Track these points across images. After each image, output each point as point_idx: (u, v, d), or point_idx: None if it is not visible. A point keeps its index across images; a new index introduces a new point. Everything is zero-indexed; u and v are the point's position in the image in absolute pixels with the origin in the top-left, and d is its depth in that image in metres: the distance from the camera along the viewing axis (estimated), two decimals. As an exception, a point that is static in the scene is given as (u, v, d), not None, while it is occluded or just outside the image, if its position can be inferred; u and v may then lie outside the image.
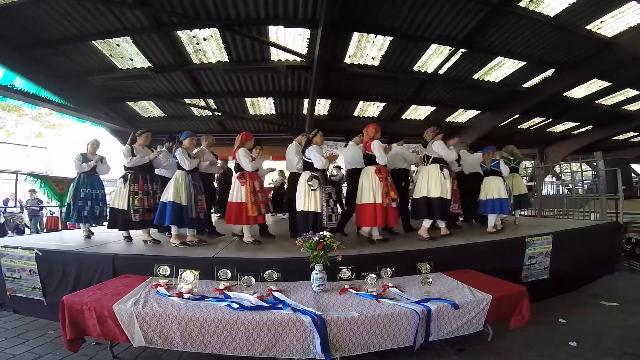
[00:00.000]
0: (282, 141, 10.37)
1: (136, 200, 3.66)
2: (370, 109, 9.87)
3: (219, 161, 4.87)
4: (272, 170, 4.87)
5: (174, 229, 3.62)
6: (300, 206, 3.47)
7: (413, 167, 4.74)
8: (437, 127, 4.06)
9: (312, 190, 3.41)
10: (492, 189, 4.24)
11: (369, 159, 3.71)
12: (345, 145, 4.47)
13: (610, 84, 8.42)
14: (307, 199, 3.41)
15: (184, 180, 3.59)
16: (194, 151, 3.86)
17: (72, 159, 4.19)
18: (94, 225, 4.42)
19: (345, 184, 5.90)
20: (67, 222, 5.33)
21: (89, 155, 4.18)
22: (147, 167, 3.84)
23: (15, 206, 8.29)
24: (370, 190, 3.59)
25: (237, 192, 3.69)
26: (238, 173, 3.77)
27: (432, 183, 3.79)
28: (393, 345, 2.16)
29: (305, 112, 9.27)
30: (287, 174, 4.71)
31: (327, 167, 3.85)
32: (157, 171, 4.08)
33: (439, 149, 3.81)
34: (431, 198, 3.77)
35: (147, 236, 3.82)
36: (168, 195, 3.54)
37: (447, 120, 10.86)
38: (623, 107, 10.29)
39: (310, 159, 3.52)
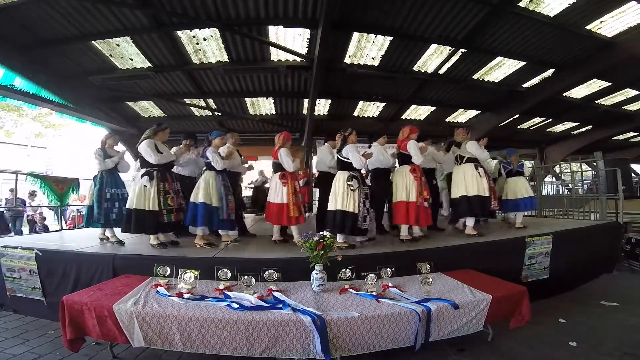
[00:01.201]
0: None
1: (169, 200, 3.46)
2: (370, 109, 9.87)
3: (249, 162, 4.77)
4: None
5: (199, 230, 3.53)
6: (336, 205, 3.41)
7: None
8: (466, 128, 4.24)
9: (351, 190, 3.38)
10: (520, 188, 4.65)
11: (403, 159, 3.82)
12: (369, 147, 4.48)
13: (610, 84, 8.41)
14: (345, 199, 3.37)
15: (214, 180, 3.53)
16: (222, 150, 3.73)
17: (92, 155, 3.77)
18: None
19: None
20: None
21: (109, 151, 3.81)
22: (169, 164, 3.68)
23: (15, 206, 8.29)
24: (404, 188, 3.70)
25: (278, 193, 3.66)
26: (279, 173, 3.73)
27: (469, 182, 3.92)
28: (393, 346, 2.16)
29: (305, 112, 9.27)
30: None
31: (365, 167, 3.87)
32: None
33: (473, 149, 3.97)
34: (470, 196, 3.89)
35: (168, 238, 3.64)
36: (199, 196, 3.46)
37: (447, 120, 10.86)
38: (623, 107, 10.28)
39: (347, 158, 3.47)
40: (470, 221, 3.98)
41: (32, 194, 8.62)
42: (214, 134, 3.71)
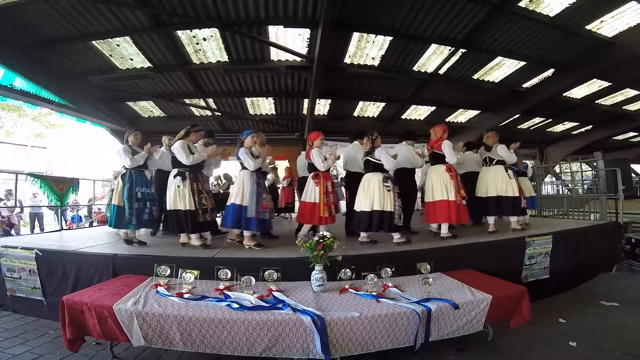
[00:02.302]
0: (282, 141, 10.39)
1: (203, 199, 3.47)
2: (370, 109, 9.87)
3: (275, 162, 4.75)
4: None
5: (247, 232, 3.54)
6: (372, 206, 3.51)
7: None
8: (495, 132, 4.45)
9: (387, 190, 3.52)
10: (525, 189, 4.87)
11: (437, 158, 3.95)
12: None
13: (610, 84, 8.41)
14: (382, 199, 3.49)
15: (249, 180, 3.51)
16: (255, 149, 3.71)
17: (119, 154, 3.66)
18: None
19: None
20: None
21: (135, 148, 3.73)
22: (200, 164, 3.66)
23: (16, 206, 8.29)
24: (443, 187, 3.80)
25: (312, 192, 3.72)
26: (312, 173, 3.79)
27: (499, 182, 4.17)
28: (393, 346, 2.16)
29: (305, 112, 9.27)
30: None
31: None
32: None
33: (502, 153, 4.21)
34: (502, 196, 4.13)
35: (202, 238, 3.60)
36: (235, 196, 3.48)
37: (447, 120, 10.85)
38: (623, 107, 10.28)
39: (379, 160, 3.60)
40: (491, 219, 4.23)
41: (9, 193, 8.43)
42: (246, 133, 3.69)
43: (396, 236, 3.65)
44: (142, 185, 3.65)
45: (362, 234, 3.69)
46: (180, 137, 3.55)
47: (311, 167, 3.85)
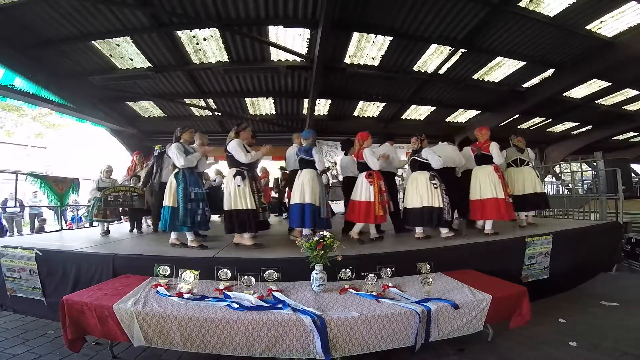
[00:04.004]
0: (282, 141, 10.37)
1: (262, 198, 3.51)
2: (370, 109, 9.86)
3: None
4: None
5: (306, 231, 3.60)
6: (422, 202, 3.72)
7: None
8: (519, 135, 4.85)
9: (434, 187, 3.72)
10: None
11: (484, 159, 4.18)
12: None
13: (610, 84, 8.40)
14: (431, 196, 3.70)
15: (319, 180, 3.59)
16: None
17: (172, 152, 3.53)
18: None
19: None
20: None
21: (187, 146, 3.63)
22: (255, 164, 3.66)
23: (15, 206, 8.29)
24: (492, 186, 4.00)
25: (365, 191, 3.76)
26: (365, 172, 3.83)
27: (536, 181, 4.70)
28: (394, 346, 2.16)
29: (305, 112, 9.27)
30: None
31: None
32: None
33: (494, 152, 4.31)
34: (537, 193, 4.62)
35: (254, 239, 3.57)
36: (305, 196, 3.55)
37: (447, 120, 10.86)
38: (623, 107, 10.27)
39: (426, 160, 3.80)
40: (524, 215, 4.63)
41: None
42: (307, 134, 3.81)
43: (444, 231, 3.85)
44: (195, 185, 3.56)
45: (417, 229, 3.89)
46: (232, 137, 3.55)
47: (361, 167, 3.91)
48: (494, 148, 4.08)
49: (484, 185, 4.05)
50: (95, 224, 5.32)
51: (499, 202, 3.94)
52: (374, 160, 3.76)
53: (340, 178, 6.18)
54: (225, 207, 3.48)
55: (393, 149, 4.62)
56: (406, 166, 5.87)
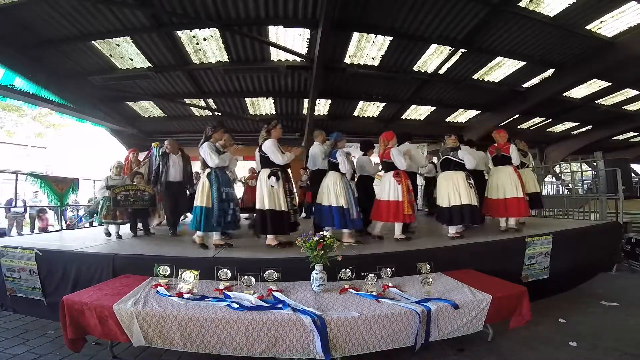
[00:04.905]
0: (281, 141, 10.37)
1: (293, 200, 3.53)
2: (370, 109, 9.87)
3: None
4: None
5: (346, 231, 3.64)
6: (461, 200, 3.78)
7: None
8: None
9: (471, 187, 3.82)
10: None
11: (503, 160, 4.33)
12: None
13: (610, 84, 8.41)
14: (467, 194, 3.78)
15: (345, 182, 3.60)
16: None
17: (204, 151, 3.48)
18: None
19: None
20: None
21: (217, 146, 3.57)
22: (288, 164, 3.61)
23: (16, 206, 8.29)
24: (514, 185, 4.16)
25: (393, 191, 3.77)
26: (393, 172, 3.83)
27: (536, 182, 5.04)
28: (394, 346, 2.16)
29: (305, 112, 9.28)
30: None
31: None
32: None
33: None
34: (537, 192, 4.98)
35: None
36: (330, 198, 3.58)
37: (447, 120, 10.87)
38: (623, 107, 10.28)
39: (462, 160, 3.88)
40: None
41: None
42: (335, 136, 3.83)
43: (452, 230, 3.91)
44: (226, 185, 3.54)
45: (451, 229, 3.89)
46: (265, 136, 3.50)
47: (387, 166, 3.94)
48: (513, 150, 4.27)
49: (508, 185, 4.20)
50: (94, 223, 5.24)
51: (519, 200, 4.11)
52: (401, 160, 3.78)
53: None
54: (258, 206, 3.47)
55: (414, 148, 4.65)
56: (429, 165, 5.94)
